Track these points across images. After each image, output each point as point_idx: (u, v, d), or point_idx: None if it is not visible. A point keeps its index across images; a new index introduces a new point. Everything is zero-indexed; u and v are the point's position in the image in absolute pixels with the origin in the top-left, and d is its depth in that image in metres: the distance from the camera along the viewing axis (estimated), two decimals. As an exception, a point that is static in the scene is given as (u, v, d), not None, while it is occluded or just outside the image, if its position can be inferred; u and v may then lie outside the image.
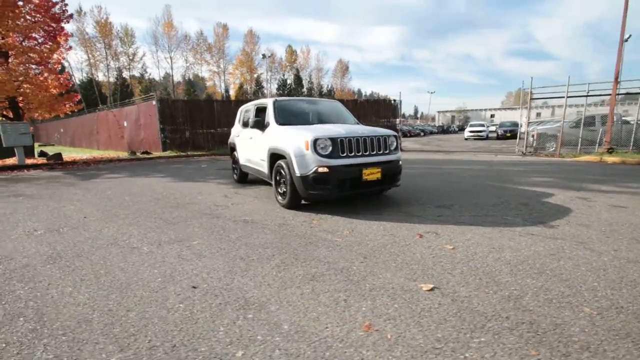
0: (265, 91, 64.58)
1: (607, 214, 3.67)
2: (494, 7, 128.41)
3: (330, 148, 3.81)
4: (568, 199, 4.46)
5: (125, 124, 17.18)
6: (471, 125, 29.14)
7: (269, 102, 5.01)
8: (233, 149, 6.47)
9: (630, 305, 1.84)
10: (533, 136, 13.85)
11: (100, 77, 48.37)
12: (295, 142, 3.93)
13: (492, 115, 68.23)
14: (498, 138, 26.43)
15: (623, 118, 13.15)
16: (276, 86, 65.51)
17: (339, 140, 3.85)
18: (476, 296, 1.98)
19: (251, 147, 5.32)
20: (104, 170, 9.14)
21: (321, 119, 5.09)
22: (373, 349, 1.52)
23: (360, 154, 3.96)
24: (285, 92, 64.98)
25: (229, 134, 7.15)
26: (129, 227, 3.56)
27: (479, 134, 27.35)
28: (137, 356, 1.49)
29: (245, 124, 5.96)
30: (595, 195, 4.72)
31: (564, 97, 12.22)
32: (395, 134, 4.40)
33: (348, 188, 3.86)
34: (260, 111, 5.47)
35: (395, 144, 4.32)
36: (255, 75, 62.91)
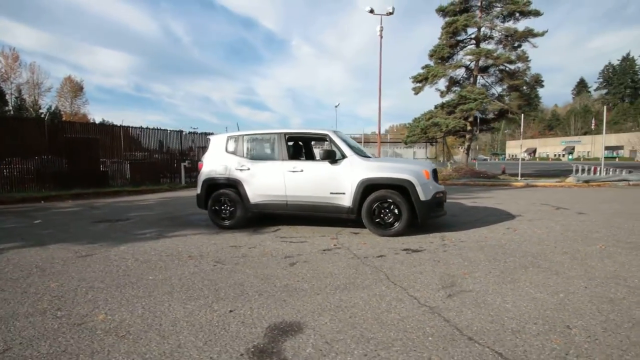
0: None
1: (513, 206, 6.85)
2: (224, 61, 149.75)
3: (432, 177, 4.59)
4: (472, 203, 7.53)
5: None
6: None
7: (329, 134, 4.77)
8: (229, 185, 5.03)
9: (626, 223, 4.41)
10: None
11: None
12: (415, 172, 4.36)
13: None
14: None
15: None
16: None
17: (435, 170, 4.72)
18: (625, 244, 3.87)
19: (303, 180, 4.68)
20: None
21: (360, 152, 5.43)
22: None
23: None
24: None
25: None
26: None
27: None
28: None
29: (255, 157, 5.05)
30: (472, 199, 8.18)
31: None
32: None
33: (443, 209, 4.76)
34: (300, 141, 4.99)
35: None
36: None
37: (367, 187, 4.46)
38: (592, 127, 58.55)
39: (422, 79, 16.29)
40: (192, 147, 15.90)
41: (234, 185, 5.01)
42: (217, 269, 3.23)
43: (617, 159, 46.92)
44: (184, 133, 15.96)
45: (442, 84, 17.93)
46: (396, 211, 4.37)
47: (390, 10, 17.07)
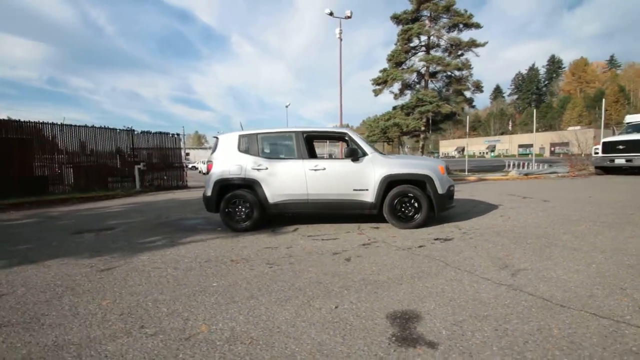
0: None
1: (486, 197, 7.66)
2: (157, 55, 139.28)
3: (446, 171, 4.99)
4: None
5: None
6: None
7: (349, 132, 4.89)
8: (245, 186, 4.84)
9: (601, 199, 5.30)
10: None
11: None
12: (432, 168, 4.70)
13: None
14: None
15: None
16: None
17: (447, 166, 5.12)
18: (601, 223, 4.65)
19: (325, 178, 4.71)
20: None
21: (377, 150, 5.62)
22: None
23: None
24: None
25: None
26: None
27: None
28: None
29: (272, 156, 4.97)
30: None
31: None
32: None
33: (450, 201, 5.19)
34: (312, 139, 5.02)
35: None
36: None
37: (390, 183, 4.68)
38: (510, 127, 66.84)
39: (382, 82, 17.22)
40: (121, 148, 13.90)
41: (250, 185, 4.83)
42: (278, 270, 3.15)
43: (529, 155, 54.62)
44: (135, 132, 14.58)
45: (396, 87, 19.12)
46: (416, 205, 4.67)
47: (349, 14, 17.67)
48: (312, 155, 5.44)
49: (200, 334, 2.05)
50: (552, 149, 56.63)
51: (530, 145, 61.35)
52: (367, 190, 4.71)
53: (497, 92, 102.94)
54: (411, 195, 4.65)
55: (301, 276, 2.97)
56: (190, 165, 38.53)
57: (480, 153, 74.56)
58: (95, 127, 12.99)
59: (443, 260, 3.30)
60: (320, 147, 16.19)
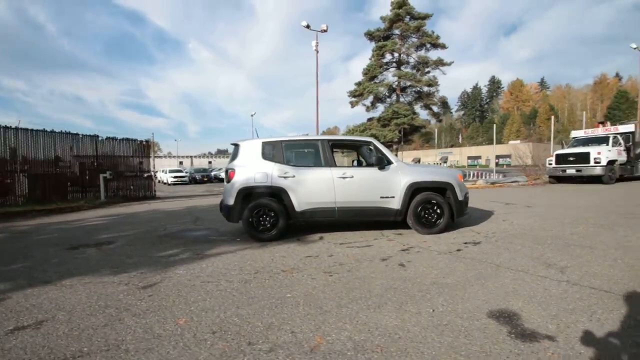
0: None
1: (473, 204, 8.19)
2: (103, 56, 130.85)
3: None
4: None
5: None
6: (172, 171, 29.47)
7: (374, 141, 4.99)
8: (271, 194, 4.68)
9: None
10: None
11: None
12: (452, 175, 4.97)
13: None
14: (196, 182, 29.07)
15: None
16: None
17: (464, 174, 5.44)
18: (592, 225, 5.22)
19: (353, 186, 4.75)
20: None
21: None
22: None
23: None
24: None
25: None
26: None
27: (182, 179, 28.46)
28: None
29: (298, 164, 4.92)
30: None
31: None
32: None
33: (463, 208, 5.49)
34: (340, 147, 5.03)
35: None
36: None
37: (415, 190, 4.86)
38: (460, 140, 72.03)
39: (358, 94, 17.83)
40: (83, 155, 12.82)
41: (277, 193, 4.71)
42: (342, 279, 3.10)
43: (477, 167, 59.44)
44: (100, 139, 13.42)
45: (368, 100, 19.87)
46: (438, 211, 4.89)
47: (325, 28, 18.13)
48: None
49: (321, 345, 1.96)
50: (497, 160, 62.06)
51: (478, 157, 66.97)
52: (393, 197, 4.83)
53: (445, 107, 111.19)
54: (434, 202, 4.87)
55: (371, 283, 2.97)
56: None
57: (434, 164, 79.54)
58: (55, 131, 11.73)
59: (491, 262, 3.50)
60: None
